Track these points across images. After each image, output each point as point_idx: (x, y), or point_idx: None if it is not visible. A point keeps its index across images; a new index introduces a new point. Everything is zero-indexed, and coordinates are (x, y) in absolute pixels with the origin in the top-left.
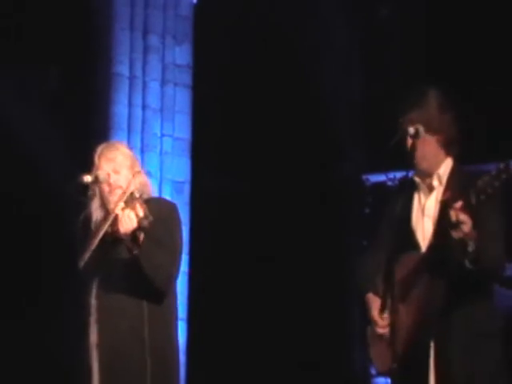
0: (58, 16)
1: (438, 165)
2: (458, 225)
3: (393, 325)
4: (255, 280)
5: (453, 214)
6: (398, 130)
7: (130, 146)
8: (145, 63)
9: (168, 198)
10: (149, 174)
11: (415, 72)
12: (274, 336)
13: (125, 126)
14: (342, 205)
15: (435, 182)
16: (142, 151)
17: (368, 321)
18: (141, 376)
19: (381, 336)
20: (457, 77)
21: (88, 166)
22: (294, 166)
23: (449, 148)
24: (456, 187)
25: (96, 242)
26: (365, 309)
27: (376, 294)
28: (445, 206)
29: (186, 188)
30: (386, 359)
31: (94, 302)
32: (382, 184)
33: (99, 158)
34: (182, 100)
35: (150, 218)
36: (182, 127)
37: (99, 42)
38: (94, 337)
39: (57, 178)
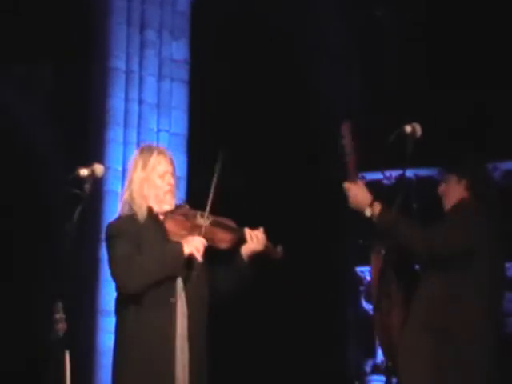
0: (55, 10)
1: None
2: None
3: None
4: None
5: None
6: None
7: (126, 141)
8: (142, 58)
9: None
10: None
11: (414, 72)
12: (269, 334)
13: (121, 120)
14: (337, 203)
15: None
16: (138, 146)
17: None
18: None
19: None
20: (456, 78)
21: (84, 159)
22: (290, 163)
23: None
24: None
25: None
26: None
27: None
28: None
29: (182, 184)
30: None
31: (182, 295)
32: (377, 182)
33: (158, 154)
34: (178, 95)
35: (280, 248)
36: (178, 122)
37: (96, 37)
38: (181, 330)
39: (53, 169)
